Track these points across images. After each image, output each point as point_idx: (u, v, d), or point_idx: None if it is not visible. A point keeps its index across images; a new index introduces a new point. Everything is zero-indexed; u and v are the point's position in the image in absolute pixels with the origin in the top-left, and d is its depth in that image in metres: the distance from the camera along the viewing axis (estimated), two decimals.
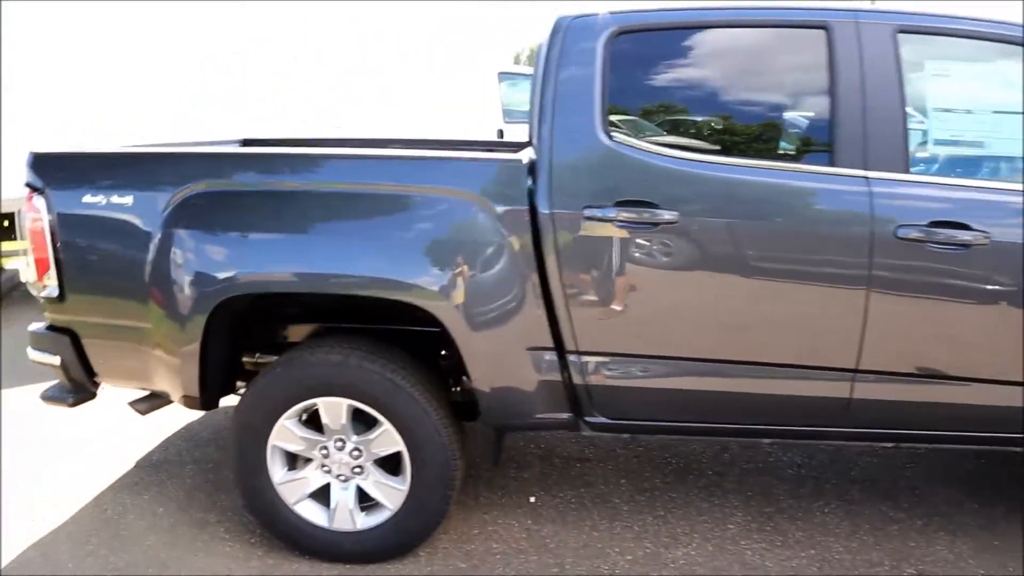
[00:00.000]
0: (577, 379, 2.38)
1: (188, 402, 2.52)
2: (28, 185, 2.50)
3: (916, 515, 2.80)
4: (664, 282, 2.29)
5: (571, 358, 2.37)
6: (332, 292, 2.35)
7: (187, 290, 2.36)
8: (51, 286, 2.51)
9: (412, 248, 2.29)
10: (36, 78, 5.29)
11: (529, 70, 9.63)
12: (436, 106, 6.54)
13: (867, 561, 2.54)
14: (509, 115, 7.09)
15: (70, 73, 5.42)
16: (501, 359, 2.35)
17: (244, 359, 2.74)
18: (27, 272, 2.58)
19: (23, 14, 5.25)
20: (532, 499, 2.93)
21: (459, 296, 2.28)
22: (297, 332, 2.82)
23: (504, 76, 7.20)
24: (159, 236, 2.38)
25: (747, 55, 2.41)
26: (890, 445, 2.51)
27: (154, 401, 2.76)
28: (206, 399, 2.53)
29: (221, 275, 2.34)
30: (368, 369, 2.36)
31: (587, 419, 2.44)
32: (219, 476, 3.14)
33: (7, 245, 5.65)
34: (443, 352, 2.70)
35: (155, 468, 3.23)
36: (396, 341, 2.51)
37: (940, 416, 2.36)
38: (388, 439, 2.42)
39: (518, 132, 7.17)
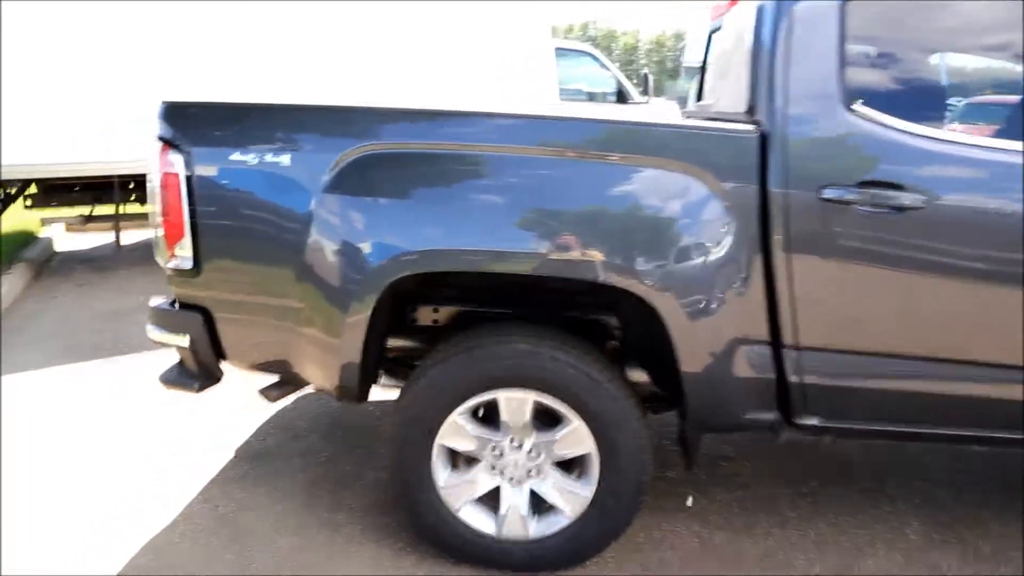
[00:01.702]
0: (793, 377, 2.14)
1: (342, 392, 2.21)
2: (161, 139, 2.16)
3: None
4: (906, 272, 2.04)
5: (789, 353, 2.13)
6: (535, 274, 2.06)
7: (356, 265, 2.06)
8: (184, 256, 2.18)
9: (627, 228, 2.01)
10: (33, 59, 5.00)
11: (575, 45, 9.30)
12: (478, 79, 6.17)
13: None
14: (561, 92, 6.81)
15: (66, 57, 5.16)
16: (714, 352, 2.10)
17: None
18: (156, 239, 2.23)
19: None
20: (689, 503, 2.70)
21: (678, 280, 2.02)
22: (427, 315, 2.54)
23: (559, 52, 6.87)
24: (323, 202, 2.07)
25: (983, 25, 2.17)
26: None
27: (286, 388, 2.45)
28: (363, 388, 2.24)
29: (401, 250, 2.04)
30: (563, 361, 2.09)
31: (797, 421, 2.21)
32: (336, 471, 2.85)
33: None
34: (612, 342, 2.46)
35: (258, 460, 2.92)
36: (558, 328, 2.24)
37: None
38: (575, 439, 2.16)
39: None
